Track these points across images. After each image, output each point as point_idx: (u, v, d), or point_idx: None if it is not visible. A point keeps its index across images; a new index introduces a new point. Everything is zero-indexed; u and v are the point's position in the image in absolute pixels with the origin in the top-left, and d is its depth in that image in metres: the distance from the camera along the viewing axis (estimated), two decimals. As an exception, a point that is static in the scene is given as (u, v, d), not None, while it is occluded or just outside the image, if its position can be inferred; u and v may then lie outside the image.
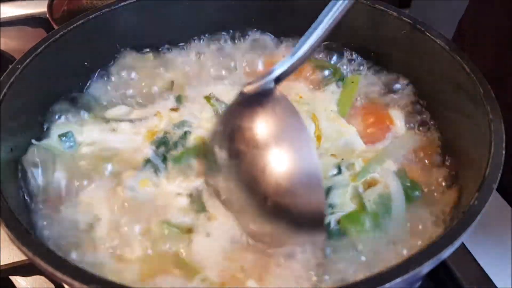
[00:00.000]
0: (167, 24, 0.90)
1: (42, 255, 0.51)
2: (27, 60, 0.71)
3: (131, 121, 0.79)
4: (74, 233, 0.67)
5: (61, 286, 0.78)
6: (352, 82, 0.86)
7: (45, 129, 0.78)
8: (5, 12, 1.33)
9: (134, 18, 0.86)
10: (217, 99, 0.83)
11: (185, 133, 0.77)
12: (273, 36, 0.94)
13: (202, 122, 0.79)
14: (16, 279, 0.82)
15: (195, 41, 0.94)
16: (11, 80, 0.69)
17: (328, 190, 0.69)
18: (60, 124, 0.79)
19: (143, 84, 0.87)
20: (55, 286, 0.81)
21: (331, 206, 0.67)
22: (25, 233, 0.54)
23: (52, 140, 0.76)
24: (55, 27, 1.13)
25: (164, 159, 0.74)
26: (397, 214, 0.67)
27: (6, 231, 0.54)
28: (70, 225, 0.67)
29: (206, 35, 0.94)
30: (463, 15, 1.05)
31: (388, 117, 0.82)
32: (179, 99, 0.84)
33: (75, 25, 0.79)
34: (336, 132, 0.79)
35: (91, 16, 0.80)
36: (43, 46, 0.74)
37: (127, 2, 0.84)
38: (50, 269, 0.50)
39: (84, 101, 0.84)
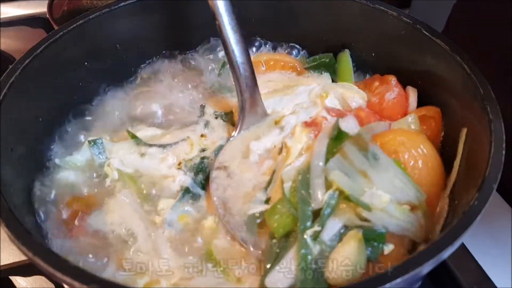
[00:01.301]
0: (169, 25, 0.90)
1: (42, 255, 0.51)
2: (27, 60, 0.71)
3: (162, 146, 0.78)
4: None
5: (61, 286, 0.78)
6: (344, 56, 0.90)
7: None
8: (5, 12, 1.33)
9: (134, 19, 0.86)
10: (225, 114, 0.83)
11: None
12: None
13: None
14: (16, 279, 0.82)
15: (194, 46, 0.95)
16: (11, 80, 0.69)
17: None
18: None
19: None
20: (55, 286, 0.81)
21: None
22: (25, 233, 0.54)
23: (76, 156, 0.76)
24: (55, 27, 1.13)
25: (203, 187, 0.73)
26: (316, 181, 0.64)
27: (6, 231, 0.54)
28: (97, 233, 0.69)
29: (213, 39, 0.94)
30: (450, 14, 1.05)
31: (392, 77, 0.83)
32: (207, 124, 0.82)
33: (75, 25, 0.79)
34: (335, 88, 0.83)
35: (91, 16, 0.81)
36: (43, 46, 0.74)
37: (127, 3, 0.84)
38: (50, 269, 0.50)
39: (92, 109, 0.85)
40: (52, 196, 0.73)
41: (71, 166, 0.76)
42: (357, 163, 0.64)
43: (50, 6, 1.19)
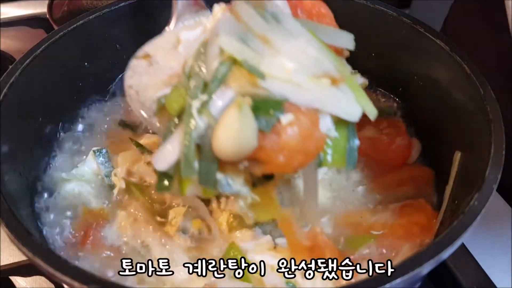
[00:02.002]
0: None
1: (42, 255, 0.51)
2: (27, 60, 0.71)
3: None
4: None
5: (61, 286, 0.78)
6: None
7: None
8: (5, 12, 1.32)
9: (135, 19, 0.86)
10: None
11: None
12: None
13: None
14: (16, 279, 0.82)
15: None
16: (11, 80, 0.69)
17: None
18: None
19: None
20: (55, 286, 0.81)
21: None
22: (25, 233, 0.54)
23: (82, 168, 0.76)
24: (55, 27, 1.13)
25: None
26: None
27: (6, 231, 0.54)
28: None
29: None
30: (447, 15, 1.05)
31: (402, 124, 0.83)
32: None
33: (75, 25, 0.79)
34: None
35: (91, 17, 0.80)
36: (43, 47, 0.74)
37: (127, 3, 0.84)
38: (50, 269, 0.50)
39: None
40: (60, 209, 0.73)
41: (78, 179, 0.76)
42: (253, 25, 0.55)
43: (50, 6, 1.19)
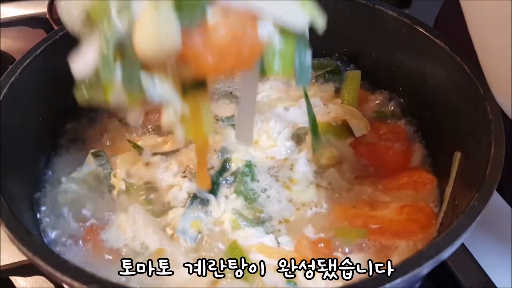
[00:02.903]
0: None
1: (42, 255, 0.51)
2: (27, 61, 0.71)
3: (165, 154, 0.77)
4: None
5: (61, 286, 0.78)
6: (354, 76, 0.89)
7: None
8: (5, 12, 1.32)
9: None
10: (227, 118, 0.83)
11: (225, 161, 0.75)
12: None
13: (235, 145, 0.77)
14: (16, 279, 0.82)
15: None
16: (11, 80, 0.69)
17: None
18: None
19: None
20: (55, 286, 0.81)
21: None
22: (25, 233, 0.54)
23: (82, 170, 0.76)
24: (55, 27, 1.13)
25: (211, 191, 0.72)
26: None
27: (6, 231, 0.54)
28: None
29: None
30: (438, 13, 1.05)
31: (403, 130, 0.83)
32: None
33: (75, 25, 0.79)
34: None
35: (91, 16, 0.80)
36: (43, 47, 0.74)
37: (127, 2, 0.83)
38: (50, 269, 0.50)
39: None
40: (60, 211, 0.72)
41: (77, 181, 0.75)
42: None
43: (50, 6, 1.19)
